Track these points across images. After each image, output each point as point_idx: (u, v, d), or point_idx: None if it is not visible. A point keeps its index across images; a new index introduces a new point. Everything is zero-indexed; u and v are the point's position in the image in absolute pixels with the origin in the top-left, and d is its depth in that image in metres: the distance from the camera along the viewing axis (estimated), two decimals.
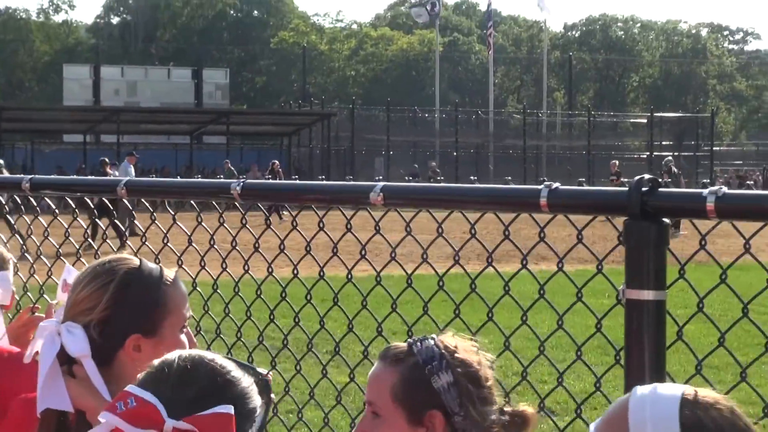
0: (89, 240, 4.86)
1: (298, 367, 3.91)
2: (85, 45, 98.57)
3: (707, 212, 2.69)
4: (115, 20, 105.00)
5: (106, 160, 31.34)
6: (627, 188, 2.84)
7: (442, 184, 3.83)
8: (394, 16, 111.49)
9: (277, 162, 41.94)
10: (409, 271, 3.51)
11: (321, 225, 3.67)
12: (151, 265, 2.86)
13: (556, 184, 3.00)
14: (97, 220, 5.27)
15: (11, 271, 3.89)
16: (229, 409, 2.07)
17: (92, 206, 4.93)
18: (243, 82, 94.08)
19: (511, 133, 73.78)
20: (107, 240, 5.14)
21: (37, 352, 2.79)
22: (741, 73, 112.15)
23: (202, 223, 4.02)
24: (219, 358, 2.18)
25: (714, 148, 73.44)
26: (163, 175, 45.71)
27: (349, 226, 3.61)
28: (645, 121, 74.22)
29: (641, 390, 1.80)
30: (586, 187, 3.20)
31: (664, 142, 70.08)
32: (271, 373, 2.27)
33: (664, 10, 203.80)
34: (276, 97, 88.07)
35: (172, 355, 2.17)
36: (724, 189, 2.68)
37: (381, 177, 48.33)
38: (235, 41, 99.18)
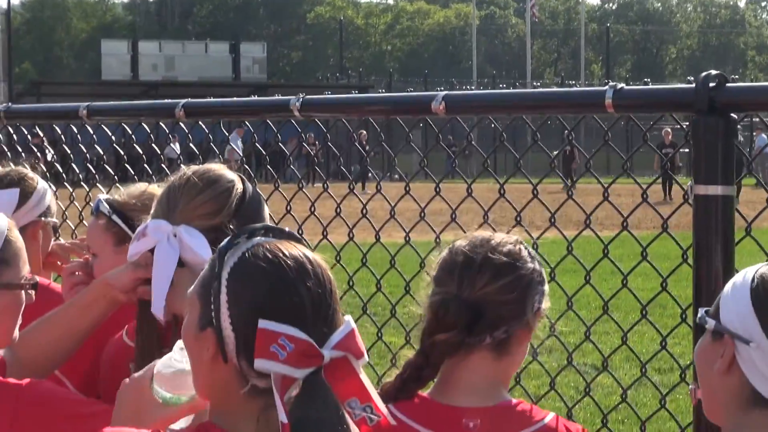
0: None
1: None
2: (122, 22, 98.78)
3: None
4: None
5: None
6: (693, 85, 2.82)
7: (504, 90, 3.81)
8: None
9: (312, 134, 41.87)
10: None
11: (407, 189, 3.62)
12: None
13: (621, 85, 2.98)
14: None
15: (37, 195, 3.87)
16: (351, 323, 2.09)
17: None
18: (280, 57, 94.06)
19: None
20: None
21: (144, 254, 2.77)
22: None
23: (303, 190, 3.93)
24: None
25: (753, 119, 72.85)
26: (202, 149, 45.69)
27: (438, 190, 3.58)
28: None
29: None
30: (651, 86, 3.15)
31: None
32: None
33: None
34: (313, 72, 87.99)
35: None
36: None
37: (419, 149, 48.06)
38: (272, 17, 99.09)
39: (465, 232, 2.71)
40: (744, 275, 2.16)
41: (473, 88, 70.33)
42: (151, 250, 2.76)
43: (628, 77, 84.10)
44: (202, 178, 2.82)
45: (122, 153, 4.86)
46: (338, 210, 3.78)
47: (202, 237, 2.71)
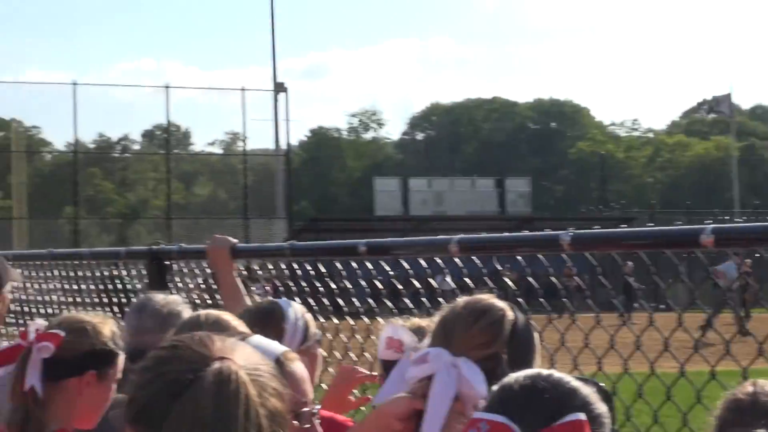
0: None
1: None
2: (392, 160, 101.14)
3: None
4: (420, 136, 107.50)
5: None
6: None
7: None
8: (689, 123, 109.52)
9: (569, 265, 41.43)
10: None
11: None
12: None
13: None
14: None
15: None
16: (581, 416, 2.05)
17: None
18: (544, 191, 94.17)
19: None
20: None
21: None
22: None
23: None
24: (555, 372, 2.18)
25: None
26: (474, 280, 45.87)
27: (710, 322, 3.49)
28: None
29: None
30: None
31: None
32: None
33: None
34: (576, 205, 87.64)
35: (511, 377, 2.17)
36: None
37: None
38: (535, 152, 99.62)
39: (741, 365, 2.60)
40: None
41: (735, 219, 68.51)
42: (429, 378, 2.77)
43: None
44: (474, 309, 2.83)
45: (398, 286, 4.94)
46: (612, 342, 3.72)
47: (479, 372, 2.70)
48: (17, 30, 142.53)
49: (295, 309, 4.04)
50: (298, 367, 2.70)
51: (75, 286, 7.58)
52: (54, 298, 7.85)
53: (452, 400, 2.67)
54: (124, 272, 6.99)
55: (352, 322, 4.95)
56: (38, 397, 3.51)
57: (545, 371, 2.17)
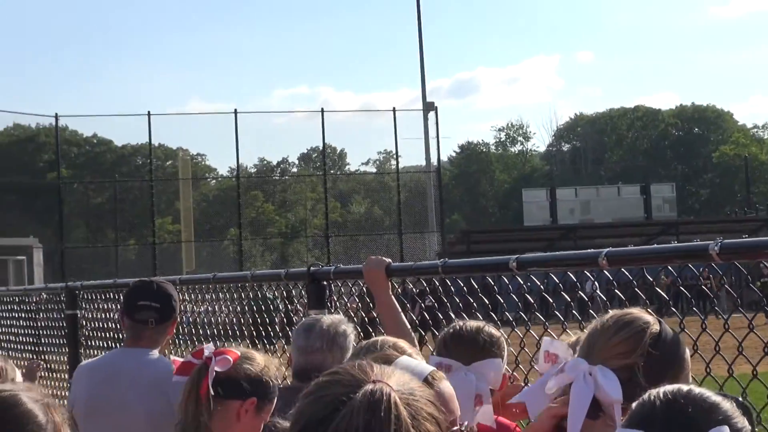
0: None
1: None
2: (540, 171, 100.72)
3: None
4: (565, 147, 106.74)
5: None
6: None
7: None
8: None
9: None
10: None
11: None
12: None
13: None
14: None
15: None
16: (725, 429, 1.99)
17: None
18: (688, 196, 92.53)
19: None
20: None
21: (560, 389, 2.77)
22: None
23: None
24: (695, 388, 2.10)
25: None
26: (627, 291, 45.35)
27: None
28: None
29: None
30: None
31: None
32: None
33: None
34: (721, 208, 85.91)
35: (651, 393, 2.11)
36: None
37: None
38: (679, 157, 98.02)
39: None
40: None
41: None
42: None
43: None
44: (619, 320, 2.83)
45: (550, 300, 4.87)
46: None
47: (615, 378, 2.68)
48: (179, 64, 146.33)
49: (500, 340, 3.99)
50: (446, 386, 2.70)
51: (239, 308, 7.68)
52: (219, 319, 7.97)
53: (588, 404, 2.65)
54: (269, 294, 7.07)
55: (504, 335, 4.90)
56: (211, 405, 3.56)
57: (685, 387, 2.10)
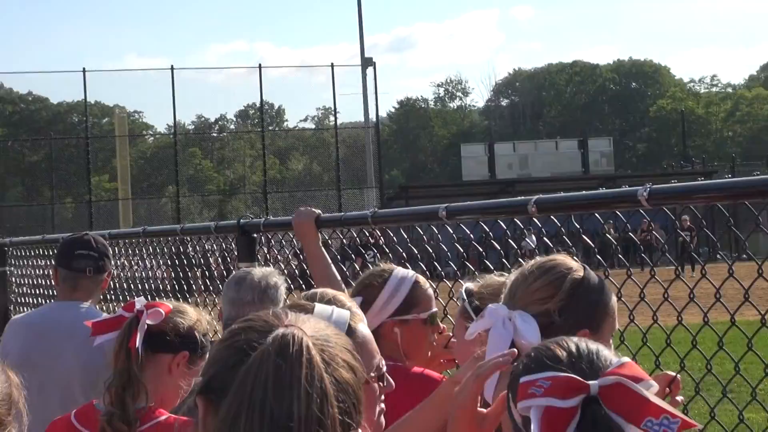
0: None
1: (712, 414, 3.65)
2: (478, 127, 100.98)
3: None
4: (504, 102, 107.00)
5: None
6: None
7: None
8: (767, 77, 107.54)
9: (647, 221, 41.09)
10: None
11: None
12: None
13: None
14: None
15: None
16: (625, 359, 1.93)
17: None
18: (626, 150, 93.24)
19: None
20: None
21: (480, 334, 2.73)
22: None
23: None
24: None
25: None
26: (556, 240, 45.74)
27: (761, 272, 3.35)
28: None
29: None
30: None
31: None
32: None
33: None
34: (658, 162, 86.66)
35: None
36: None
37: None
38: (617, 112, 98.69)
39: None
40: None
41: None
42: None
43: None
44: (541, 266, 2.79)
45: (481, 249, 4.84)
46: (691, 294, 3.57)
47: (534, 322, 2.64)
48: (114, 19, 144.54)
49: (406, 278, 3.97)
50: (362, 328, 2.66)
51: (169, 263, 7.60)
52: (150, 274, 7.89)
53: (507, 349, 2.59)
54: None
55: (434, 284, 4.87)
56: (141, 359, 3.51)
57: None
